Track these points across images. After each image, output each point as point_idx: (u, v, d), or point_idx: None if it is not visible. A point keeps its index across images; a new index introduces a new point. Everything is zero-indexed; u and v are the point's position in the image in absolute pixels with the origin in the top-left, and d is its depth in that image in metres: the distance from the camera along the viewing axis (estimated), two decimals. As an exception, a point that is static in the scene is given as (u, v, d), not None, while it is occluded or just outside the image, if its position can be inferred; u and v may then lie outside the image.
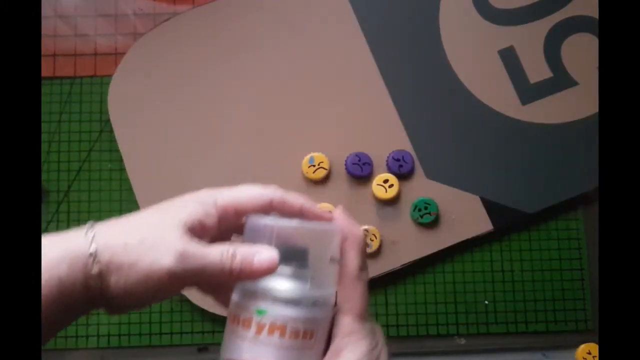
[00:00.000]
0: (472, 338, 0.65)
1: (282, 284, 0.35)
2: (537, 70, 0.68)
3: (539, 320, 0.65)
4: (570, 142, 0.67)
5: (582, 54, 0.68)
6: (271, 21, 0.68)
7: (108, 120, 0.67)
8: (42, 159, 0.66)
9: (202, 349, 0.64)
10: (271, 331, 0.34)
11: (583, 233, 0.67)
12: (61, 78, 0.68)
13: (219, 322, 0.64)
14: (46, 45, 0.68)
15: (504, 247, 0.66)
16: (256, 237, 0.36)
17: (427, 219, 0.64)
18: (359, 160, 0.65)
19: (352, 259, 0.37)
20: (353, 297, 0.37)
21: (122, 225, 0.36)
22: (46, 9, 0.69)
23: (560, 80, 0.68)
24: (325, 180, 0.65)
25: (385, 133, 0.67)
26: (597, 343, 0.63)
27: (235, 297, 0.36)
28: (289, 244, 0.36)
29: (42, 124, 0.67)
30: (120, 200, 0.66)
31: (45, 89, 0.68)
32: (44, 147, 0.67)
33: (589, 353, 0.63)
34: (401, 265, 0.64)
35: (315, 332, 0.35)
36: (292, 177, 0.65)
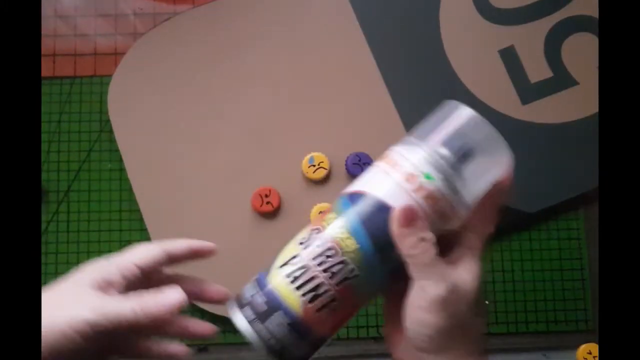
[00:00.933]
0: (473, 338, 0.65)
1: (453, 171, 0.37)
2: (538, 70, 0.68)
3: (539, 320, 0.65)
4: (570, 142, 0.67)
5: (583, 54, 0.68)
6: (271, 21, 0.68)
7: (108, 120, 0.67)
8: (42, 159, 0.66)
9: (202, 349, 0.64)
10: (427, 199, 0.37)
11: (583, 233, 0.67)
12: (61, 78, 0.68)
13: (219, 323, 0.64)
14: (46, 45, 0.68)
15: (504, 247, 0.66)
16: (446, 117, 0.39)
17: (427, 219, 0.64)
18: (359, 160, 0.65)
19: (498, 194, 0.39)
20: (488, 221, 0.39)
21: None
22: (46, 9, 0.69)
23: (561, 80, 0.68)
24: (325, 180, 0.65)
25: (385, 133, 0.66)
26: (597, 343, 0.63)
27: (405, 151, 0.38)
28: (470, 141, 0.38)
29: (42, 124, 0.67)
30: (120, 200, 0.66)
31: (45, 88, 0.68)
32: (44, 147, 0.67)
33: (590, 353, 0.63)
34: (401, 265, 0.64)
35: (448, 224, 0.38)
36: (292, 177, 0.65)
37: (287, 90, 0.67)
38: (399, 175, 0.37)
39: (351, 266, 0.37)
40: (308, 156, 0.65)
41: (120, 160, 0.66)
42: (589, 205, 0.67)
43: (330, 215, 0.39)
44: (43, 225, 0.65)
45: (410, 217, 0.36)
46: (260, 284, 0.38)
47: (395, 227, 0.36)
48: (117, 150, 0.66)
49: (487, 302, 0.65)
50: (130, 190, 0.65)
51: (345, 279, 0.37)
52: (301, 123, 0.67)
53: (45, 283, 0.64)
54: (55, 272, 0.65)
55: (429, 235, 0.37)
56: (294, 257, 0.38)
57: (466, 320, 0.38)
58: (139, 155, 0.66)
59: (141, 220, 0.65)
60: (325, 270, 0.37)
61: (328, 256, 0.37)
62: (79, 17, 0.69)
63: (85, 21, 0.69)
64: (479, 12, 0.69)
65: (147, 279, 0.42)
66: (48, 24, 0.69)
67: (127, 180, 0.66)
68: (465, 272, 0.38)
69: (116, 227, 0.66)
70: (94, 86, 0.68)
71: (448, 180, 0.37)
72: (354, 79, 0.67)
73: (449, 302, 0.37)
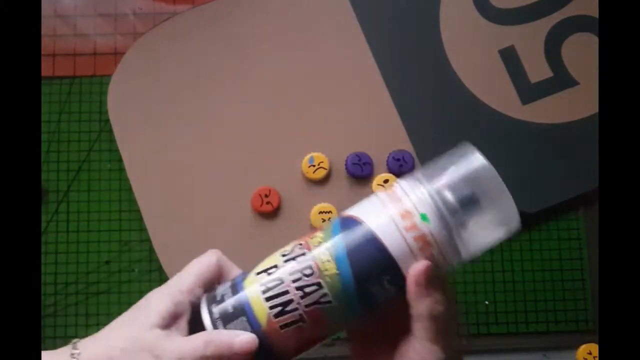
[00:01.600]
0: (473, 338, 0.65)
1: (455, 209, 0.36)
2: (538, 69, 0.68)
3: (539, 320, 0.65)
4: (570, 142, 0.67)
5: (583, 54, 0.68)
6: (271, 21, 0.68)
7: (108, 120, 0.67)
8: (42, 159, 0.66)
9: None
10: (418, 240, 0.35)
11: (583, 233, 0.67)
12: (61, 78, 0.68)
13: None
14: (46, 45, 0.68)
15: (504, 247, 0.66)
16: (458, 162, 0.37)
17: (428, 219, 0.64)
18: (359, 160, 0.65)
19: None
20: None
21: (102, 339, 0.38)
22: (46, 9, 0.69)
23: (561, 80, 0.68)
24: (325, 180, 0.65)
25: (385, 133, 0.66)
26: (597, 343, 0.63)
27: (408, 187, 0.36)
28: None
29: (42, 124, 0.67)
30: (120, 200, 0.66)
31: (44, 88, 0.68)
32: (44, 147, 0.66)
33: (590, 353, 0.63)
34: (401, 265, 0.64)
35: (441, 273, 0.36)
36: (292, 177, 0.65)
37: (287, 90, 0.67)
38: (396, 210, 0.36)
39: (325, 291, 0.36)
40: (308, 156, 0.65)
41: (120, 160, 0.66)
42: (589, 205, 0.67)
43: (319, 234, 0.37)
44: (43, 225, 0.65)
45: (431, 275, 0.35)
46: (235, 286, 0.38)
47: (414, 285, 0.35)
48: (117, 150, 0.66)
49: (487, 302, 0.65)
50: (130, 190, 0.65)
51: (317, 302, 0.36)
52: (301, 123, 0.67)
53: (44, 283, 0.64)
54: (55, 272, 0.65)
55: (442, 296, 0.35)
56: (273, 267, 0.37)
57: None
58: (138, 156, 0.66)
59: (141, 220, 0.65)
60: (298, 288, 0.36)
61: (305, 275, 0.36)
62: (78, 17, 0.69)
63: (85, 21, 0.69)
64: (479, 12, 0.69)
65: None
66: (48, 23, 0.69)
67: (126, 180, 0.66)
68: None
69: (116, 227, 0.66)
70: (93, 86, 0.68)
71: (445, 226, 0.35)
72: (354, 79, 0.67)
73: None
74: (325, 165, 0.65)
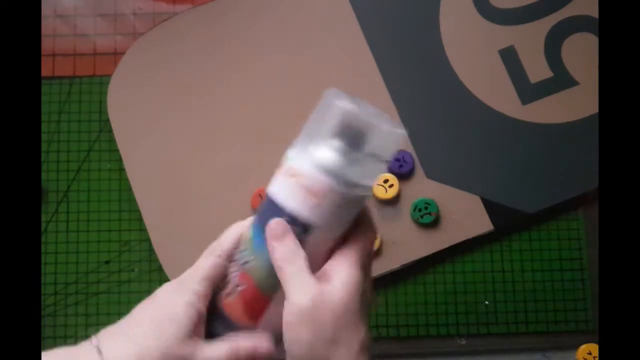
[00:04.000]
0: (473, 338, 0.65)
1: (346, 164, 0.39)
2: (538, 70, 0.68)
3: (539, 320, 0.65)
4: (570, 142, 0.67)
5: (583, 54, 0.68)
6: (271, 21, 0.68)
7: (107, 120, 0.67)
8: (42, 159, 0.66)
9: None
10: (332, 205, 0.39)
11: (583, 233, 0.67)
12: (60, 78, 0.68)
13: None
14: (45, 45, 0.68)
15: (504, 247, 0.66)
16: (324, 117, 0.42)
17: (427, 219, 0.64)
18: (359, 160, 0.65)
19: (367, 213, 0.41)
20: (364, 234, 0.41)
21: (123, 338, 0.39)
22: (46, 9, 0.69)
23: (561, 80, 0.68)
24: (325, 180, 0.65)
25: (385, 133, 0.66)
26: (597, 343, 0.63)
27: (302, 163, 0.41)
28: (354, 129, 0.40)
29: (42, 124, 0.67)
30: (120, 200, 0.66)
31: (44, 88, 0.68)
32: (44, 147, 0.67)
33: (590, 353, 0.63)
34: (401, 266, 0.64)
35: (360, 206, 0.41)
36: (292, 177, 0.65)
37: (286, 90, 0.67)
38: (305, 194, 0.39)
39: (247, 252, 0.41)
40: (308, 156, 0.65)
41: (120, 160, 0.66)
42: (589, 205, 0.67)
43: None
44: (43, 225, 0.65)
45: (281, 232, 0.39)
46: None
47: (268, 240, 0.39)
48: (117, 150, 0.66)
49: (487, 302, 0.65)
50: (129, 190, 0.65)
51: (244, 263, 0.41)
52: (301, 123, 0.66)
53: (44, 283, 0.64)
54: (55, 272, 0.65)
55: (299, 250, 0.38)
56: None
57: (338, 331, 0.37)
58: (138, 155, 0.66)
59: (141, 220, 0.65)
60: (231, 260, 0.42)
61: (236, 248, 0.42)
62: (78, 17, 0.69)
63: (85, 21, 0.69)
64: (479, 12, 0.69)
65: None
66: (48, 24, 0.69)
67: (126, 180, 0.66)
68: (335, 281, 0.38)
69: (116, 227, 0.66)
70: (93, 86, 0.68)
71: (345, 178, 0.39)
72: (354, 79, 0.67)
73: (314, 313, 0.37)
74: (325, 165, 0.65)
